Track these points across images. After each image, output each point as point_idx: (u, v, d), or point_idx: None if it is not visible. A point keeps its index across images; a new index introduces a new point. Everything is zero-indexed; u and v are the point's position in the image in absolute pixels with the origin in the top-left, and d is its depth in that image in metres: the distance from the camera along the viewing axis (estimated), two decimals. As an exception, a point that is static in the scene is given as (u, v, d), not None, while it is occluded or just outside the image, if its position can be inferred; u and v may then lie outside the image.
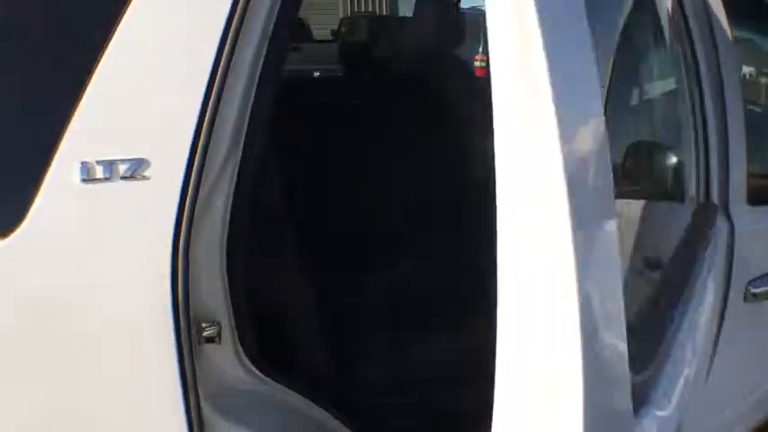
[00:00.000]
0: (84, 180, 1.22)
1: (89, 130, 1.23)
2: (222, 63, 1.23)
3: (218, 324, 1.32)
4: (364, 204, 2.79)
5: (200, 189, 1.23)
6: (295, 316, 1.62)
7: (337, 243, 2.41)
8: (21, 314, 1.26)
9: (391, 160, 3.13)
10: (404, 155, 3.13)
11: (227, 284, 1.32)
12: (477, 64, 7.64)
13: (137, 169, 1.22)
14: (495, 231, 2.44)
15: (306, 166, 2.66)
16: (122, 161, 1.22)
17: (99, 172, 1.22)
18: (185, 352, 1.25)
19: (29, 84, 1.29)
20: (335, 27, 10.62)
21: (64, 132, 1.22)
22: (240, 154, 1.30)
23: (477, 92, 2.83)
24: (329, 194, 2.71)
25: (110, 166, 1.22)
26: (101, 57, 1.22)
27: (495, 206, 2.55)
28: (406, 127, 3.13)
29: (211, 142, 1.24)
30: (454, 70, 2.83)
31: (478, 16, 8.46)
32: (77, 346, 1.28)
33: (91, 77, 1.22)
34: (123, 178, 1.22)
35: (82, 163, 1.22)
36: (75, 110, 1.22)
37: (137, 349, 1.28)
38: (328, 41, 9.79)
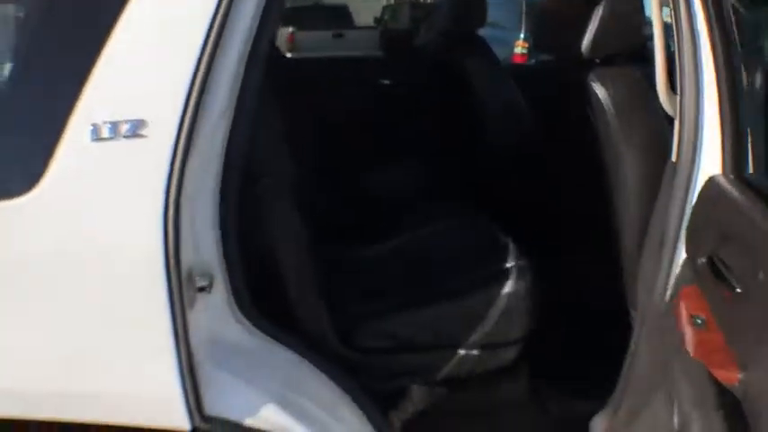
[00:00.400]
0: (93, 140, 1.35)
1: (98, 96, 1.36)
2: (212, 40, 1.34)
3: (210, 275, 1.41)
4: (370, 170, 2.86)
5: (191, 147, 1.34)
6: (290, 273, 1.68)
7: (345, 212, 2.46)
8: (43, 262, 1.37)
9: (406, 137, 3.18)
10: (421, 133, 3.16)
11: (219, 236, 1.42)
12: (517, 50, 7.55)
13: (136, 129, 1.34)
14: (505, 209, 2.48)
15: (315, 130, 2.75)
16: (125, 122, 1.34)
17: (105, 132, 1.35)
18: (176, 300, 1.33)
19: (48, 61, 1.43)
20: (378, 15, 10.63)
21: (79, 99, 1.35)
22: (232, 115, 1.41)
23: (496, 71, 2.86)
24: (340, 161, 2.78)
25: (114, 126, 1.34)
26: (109, 37, 1.36)
27: (503, 182, 2.59)
28: (424, 105, 3.16)
29: (202, 104, 1.35)
30: (474, 51, 2.84)
31: (520, 3, 8.38)
32: (82, 292, 1.38)
33: (100, 54, 1.36)
34: (125, 137, 1.34)
35: (92, 125, 1.35)
36: (87, 80, 1.36)
37: (131, 296, 1.37)
38: (371, 28, 9.80)
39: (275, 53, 4.19)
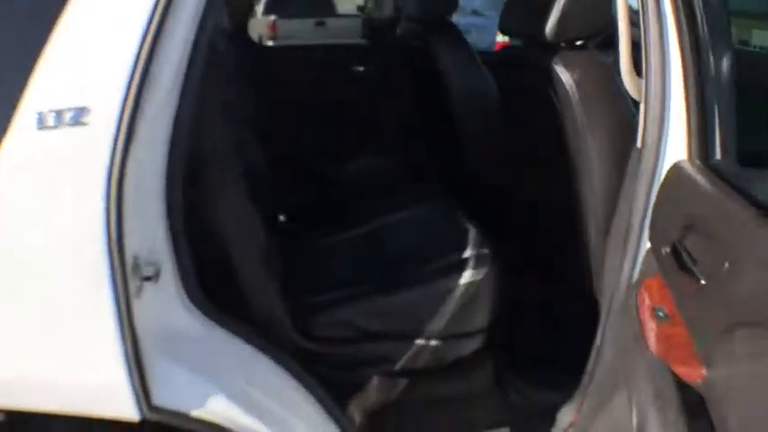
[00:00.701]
0: (39, 128, 1.34)
1: (44, 85, 1.35)
2: (152, 29, 1.33)
3: (158, 264, 1.39)
4: (347, 158, 2.84)
5: (134, 134, 1.32)
6: (242, 260, 1.64)
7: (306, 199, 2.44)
8: None
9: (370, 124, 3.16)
10: (399, 121, 3.14)
11: (166, 224, 1.40)
12: (499, 38, 7.50)
13: (79, 117, 1.33)
14: (474, 196, 2.46)
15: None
16: (68, 110, 1.34)
17: (51, 120, 1.34)
18: (120, 289, 1.31)
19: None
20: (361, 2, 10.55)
21: (26, 88, 1.35)
22: (178, 100, 1.39)
23: (465, 57, 2.82)
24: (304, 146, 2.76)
25: (59, 114, 1.34)
26: (53, 30, 1.36)
27: (471, 169, 2.58)
28: (403, 93, 3.14)
29: (144, 90, 1.33)
30: (445, 37, 2.80)
31: (504, -9, 8.33)
32: (29, 281, 1.36)
33: (48, 40, 1.35)
34: (69, 125, 1.34)
35: (38, 113, 1.34)
36: (34, 69, 1.35)
37: (76, 286, 1.35)
38: (353, 16, 9.72)
39: (257, 44, 4.17)
